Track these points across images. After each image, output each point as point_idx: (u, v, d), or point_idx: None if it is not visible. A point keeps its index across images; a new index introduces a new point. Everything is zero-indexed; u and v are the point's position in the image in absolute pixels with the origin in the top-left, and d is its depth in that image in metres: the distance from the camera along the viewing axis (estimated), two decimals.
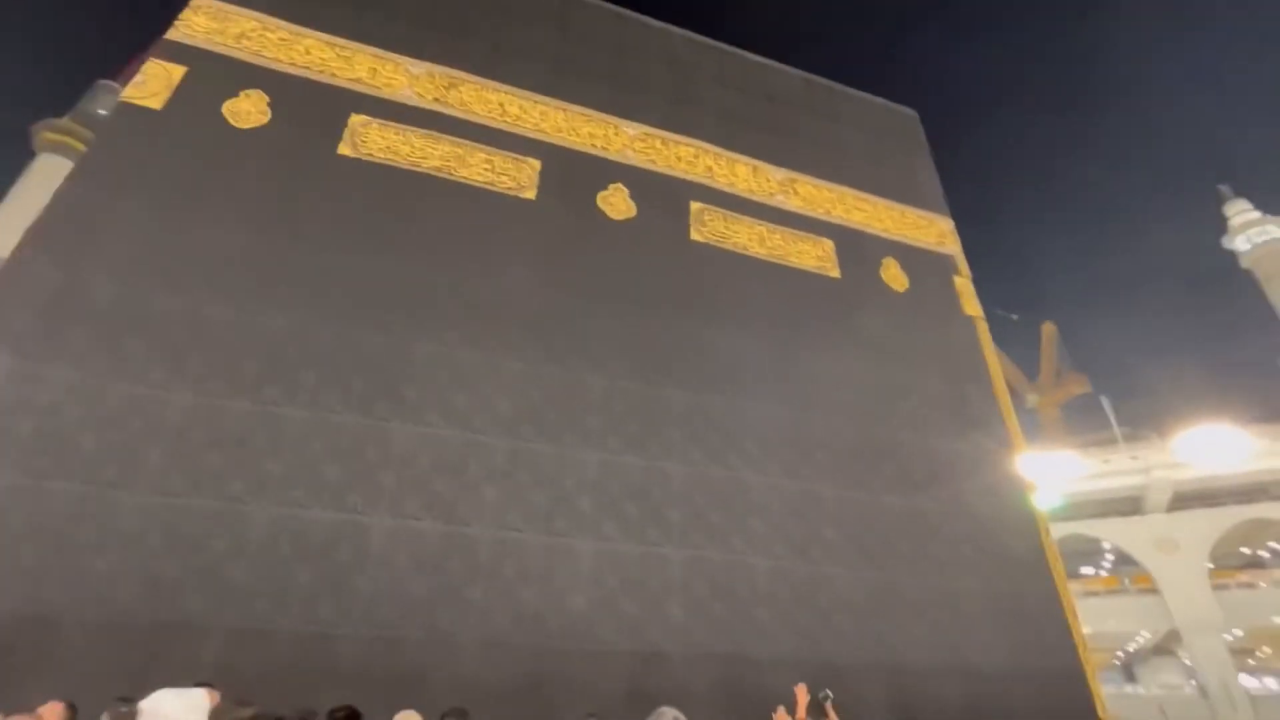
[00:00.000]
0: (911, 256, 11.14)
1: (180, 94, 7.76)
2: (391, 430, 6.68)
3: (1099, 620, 35.89)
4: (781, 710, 6.28)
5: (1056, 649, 8.03)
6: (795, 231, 10.39)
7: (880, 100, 13.55)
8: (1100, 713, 7.84)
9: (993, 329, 11.01)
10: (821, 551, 7.66)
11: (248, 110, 7.97)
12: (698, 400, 8.08)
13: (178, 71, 7.92)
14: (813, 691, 6.64)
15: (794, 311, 9.44)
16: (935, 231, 11.81)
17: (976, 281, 11.34)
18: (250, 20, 8.65)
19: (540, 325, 7.86)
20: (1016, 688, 7.45)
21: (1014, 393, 61.89)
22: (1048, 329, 68.74)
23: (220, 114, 7.85)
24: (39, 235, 6.43)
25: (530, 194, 8.84)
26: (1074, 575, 41.59)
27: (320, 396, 6.61)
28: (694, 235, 9.58)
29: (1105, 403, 50.50)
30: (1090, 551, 42.25)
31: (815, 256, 10.29)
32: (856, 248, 10.74)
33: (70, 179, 6.87)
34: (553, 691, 5.94)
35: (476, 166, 8.76)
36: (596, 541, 6.83)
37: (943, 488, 8.73)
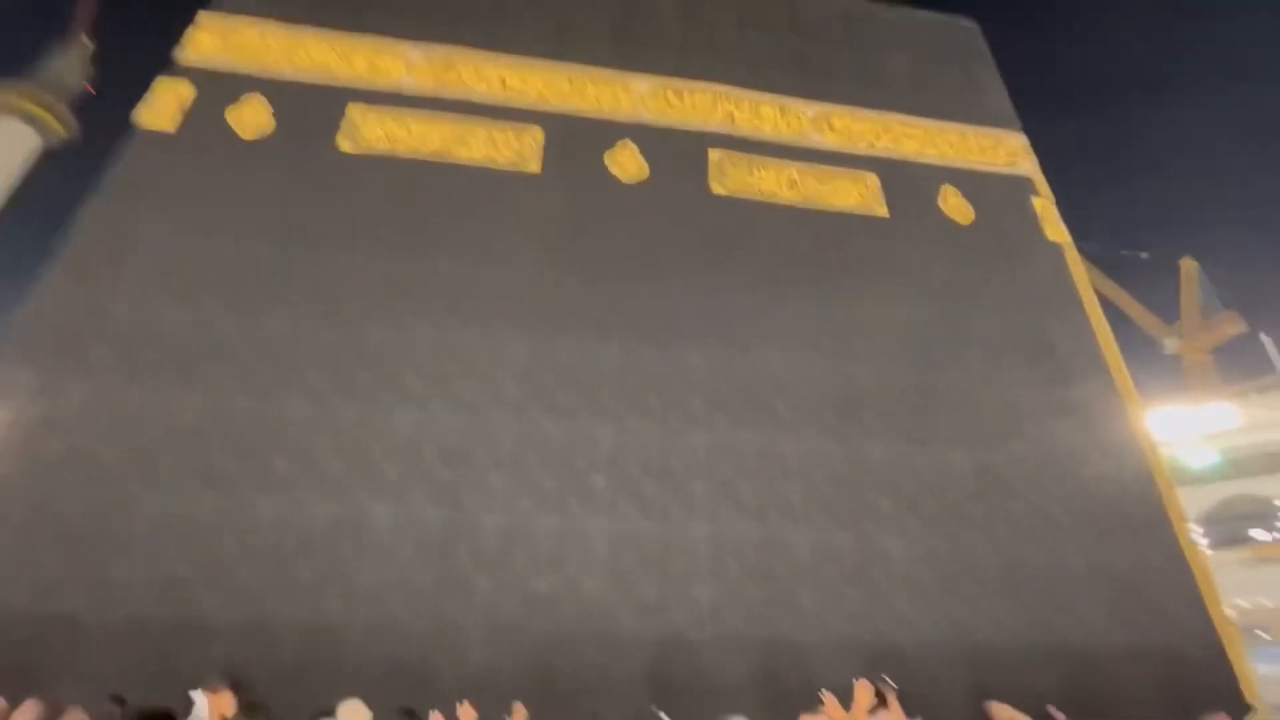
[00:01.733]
0: (976, 183, 9.72)
1: (190, 113, 8.01)
2: (395, 421, 6.52)
3: (1274, 590, 31.08)
4: (829, 697, 5.53)
5: (1184, 624, 6.63)
6: (832, 169, 9.32)
7: (932, 15, 11.98)
8: (1247, 696, 6.40)
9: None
10: (874, 522, 6.73)
11: (252, 120, 8.11)
12: (721, 363, 7.37)
13: (188, 92, 8.18)
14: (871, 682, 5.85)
15: (832, 258, 8.44)
16: (1005, 151, 10.26)
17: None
18: (252, 29, 8.81)
19: (547, 302, 7.45)
20: (1128, 669, 6.21)
21: (1151, 340, 55.03)
22: (1186, 265, 60.39)
23: (227, 126, 8.03)
24: (64, 260, 6.79)
25: (534, 166, 8.44)
26: (1240, 541, 36.25)
27: (324, 393, 6.56)
28: (714, 188, 8.80)
29: (1267, 342, 43.73)
30: (1261, 513, 36.61)
31: (857, 195, 9.19)
32: (907, 180, 9.50)
33: (91, 203, 7.21)
34: (566, 681, 5.53)
35: (476, 145, 8.48)
36: (612, 522, 6.34)
37: (1023, 442, 7.47)
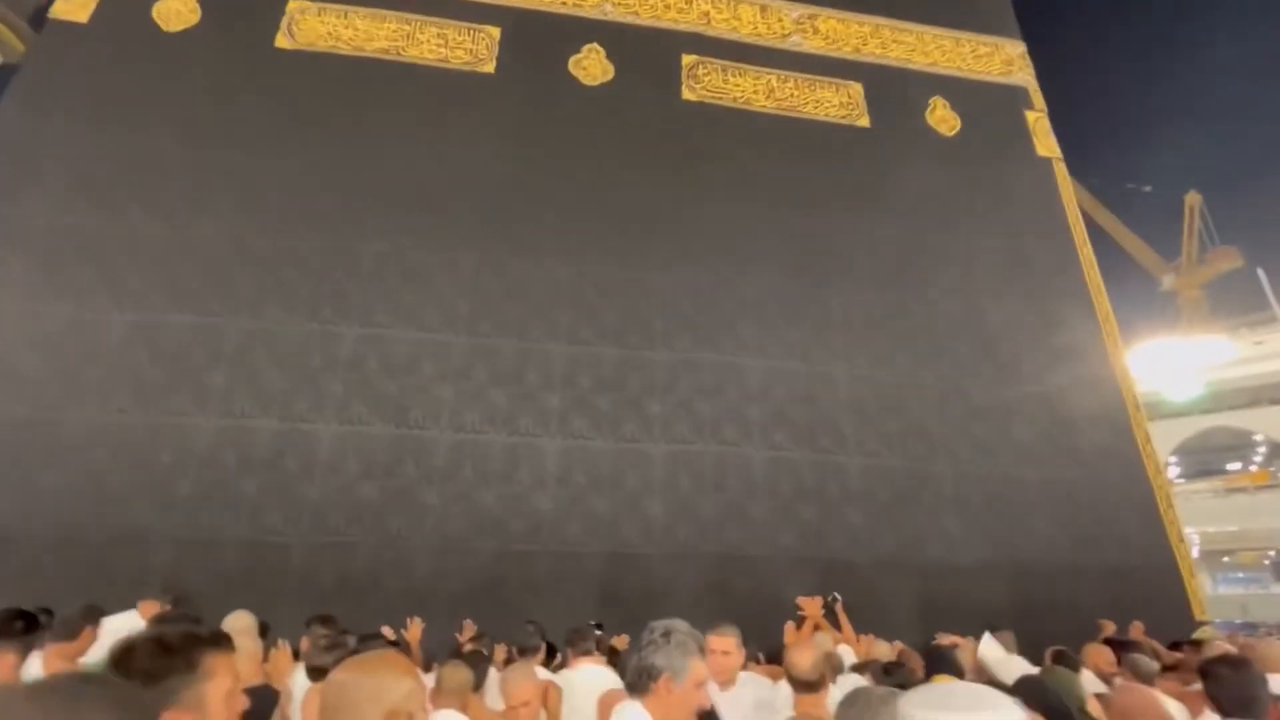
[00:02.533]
0: (967, 93, 9.13)
1: (106, 2, 7.31)
2: (338, 334, 6.25)
3: (1247, 518, 32.07)
4: (791, 627, 5.56)
5: (1139, 545, 6.65)
6: (814, 77, 8.71)
7: None
8: (1197, 613, 6.50)
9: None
10: (833, 439, 6.62)
11: (176, 10, 7.42)
12: (684, 281, 7.06)
13: None
14: (823, 594, 5.87)
15: (808, 170, 7.98)
16: (1000, 59, 9.60)
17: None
18: None
19: (502, 213, 7.04)
20: (1079, 585, 6.25)
21: (1147, 276, 54.44)
22: (1191, 199, 59.00)
23: (149, 19, 7.35)
24: None
25: (488, 67, 7.82)
26: (1218, 471, 37.09)
27: (262, 305, 6.25)
28: (685, 94, 8.22)
29: (1262, 276, 43.32)
30: (1239, 445, 37.32)
31: (838, 104, 8.62)
32: (894, 88, 8.90)
33: (2, 103, 6.66)
34: (513, 593, 5.52)
35: (428, 43, 7.82)
36: (564, 439, 6.19)
37: (993, 363, 7.29)
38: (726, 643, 2.91)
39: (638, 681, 1.79)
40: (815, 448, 6.56)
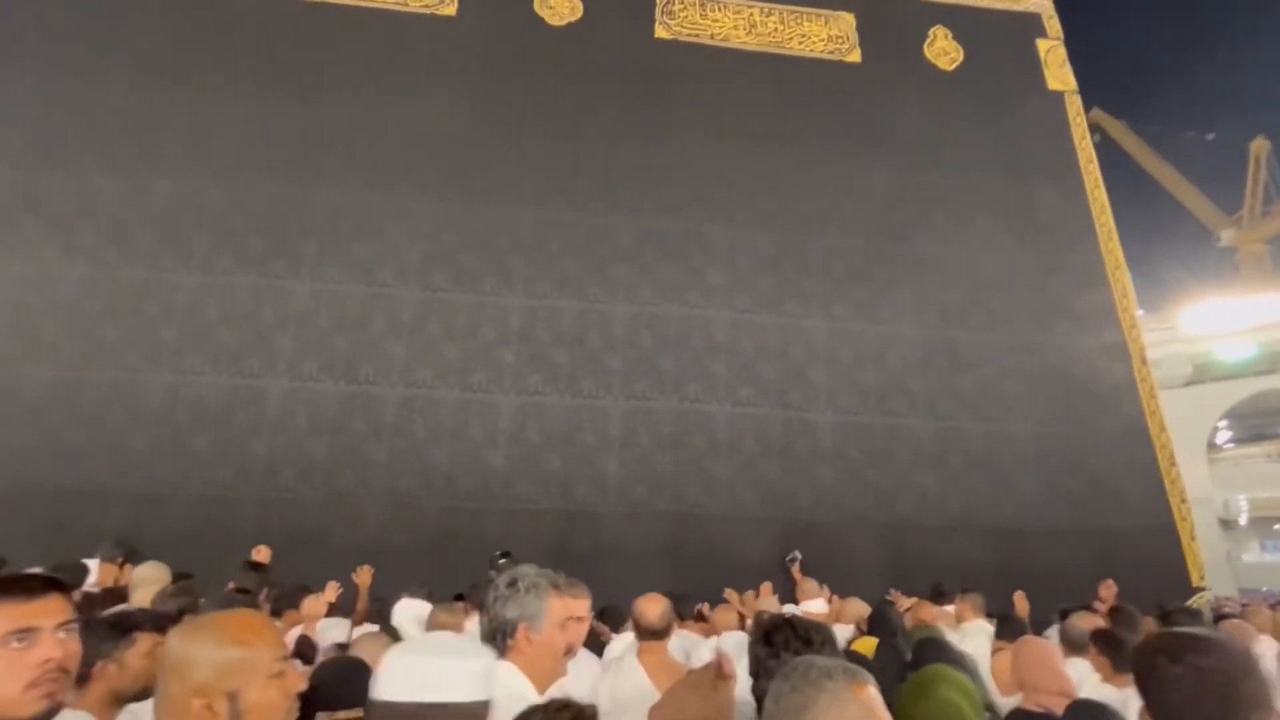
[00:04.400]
0: (971, 21, 8.38)
1: None
2: (289, 288, 6.14)
3: None
4: (731, 593, 5.31)
5: (1137, 507, 6.20)
6: (799, 9, 8.09)
7: None
8: (1194, 579, 6.07)
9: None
10: (805, 395, 6.29)
11: None
12: (649, 228, 6.71)
13: None
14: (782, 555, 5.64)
15: (790, 111, 7.46)
16: None
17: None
18: None
19: (459, 159, 6.77)
20: (1069, 549, 5.87)
21: (1203, 231, 51.17)
22: (1258, 146, 54.76)
23: None
24: None
25: (449, 9, 7.45)
26: (1272, 435, 35.14)
27: (214, 259, 6.16)
28: (659, 32, 7.72)
29: None
30: None
31: (826, 38, 8.00)
32: (889, 18, 8.21)
33: None
34: (462, 550, 5.42)
35: None
36: (519, 396, 6.01)
37: (983, 314, 6.79)
38: (584, 606, 2.25)
39: (497, 643, 1.60)
40: (784, 404, 6.24)
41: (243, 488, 5.52)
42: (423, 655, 1.17)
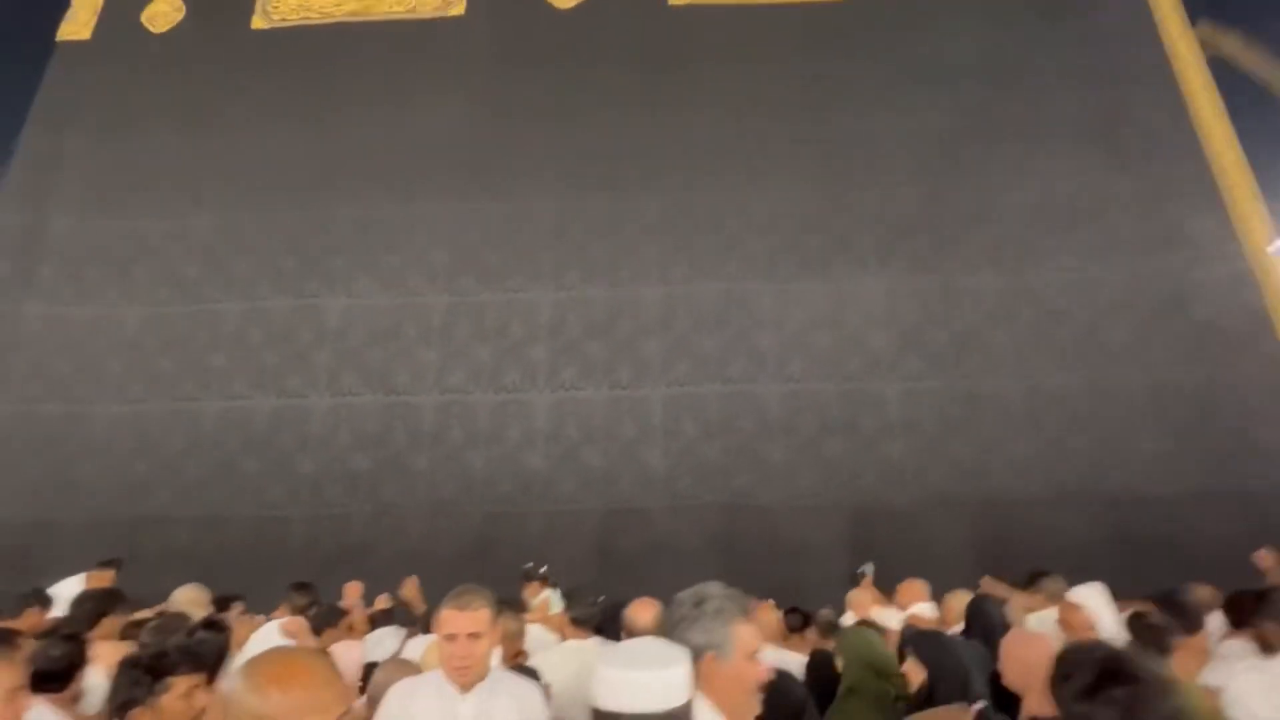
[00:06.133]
0: None
1: (103, 17, 7.60)
2: (323, 306, 6.18)
3: None
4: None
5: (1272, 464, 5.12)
6: None
7: None
8: None
9: None
10: (863, 363, 5.64)
11: (164, 11, 7.58)
12: (678, 202, 6.28)
13: None
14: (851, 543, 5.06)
15: (823, 61, 6.79)
16: None
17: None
18: None
19: (476, 158, 6.62)
20: (1205, 512, 4.92)
21: None
22: None
23: (140, 24, 7.57)
24: (6, 187, 6.84)
25: (458, 9, 7.33)
26: None
27: (253, 285, 6.31)
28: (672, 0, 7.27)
29: None
30: None
31: None
32: None
33: (27, 128, 7.14)
34: (506, 553, 5.21)
35: None
36: (553, 392, 5.75)
37: (1074, 253, 5.87)
38: (476, 619, 1.70)
39: None
40: (843, 375, 5.63)
41: (292, 507, 5.57)
42: (632, 669, 1.20)
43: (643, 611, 2.11)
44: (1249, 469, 5.10)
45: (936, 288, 5.84)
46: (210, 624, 2.29)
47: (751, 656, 1.44)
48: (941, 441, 5.36)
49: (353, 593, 4.55)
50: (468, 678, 1.68)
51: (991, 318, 5.73)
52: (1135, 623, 2.34)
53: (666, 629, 1.48)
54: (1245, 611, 2.38)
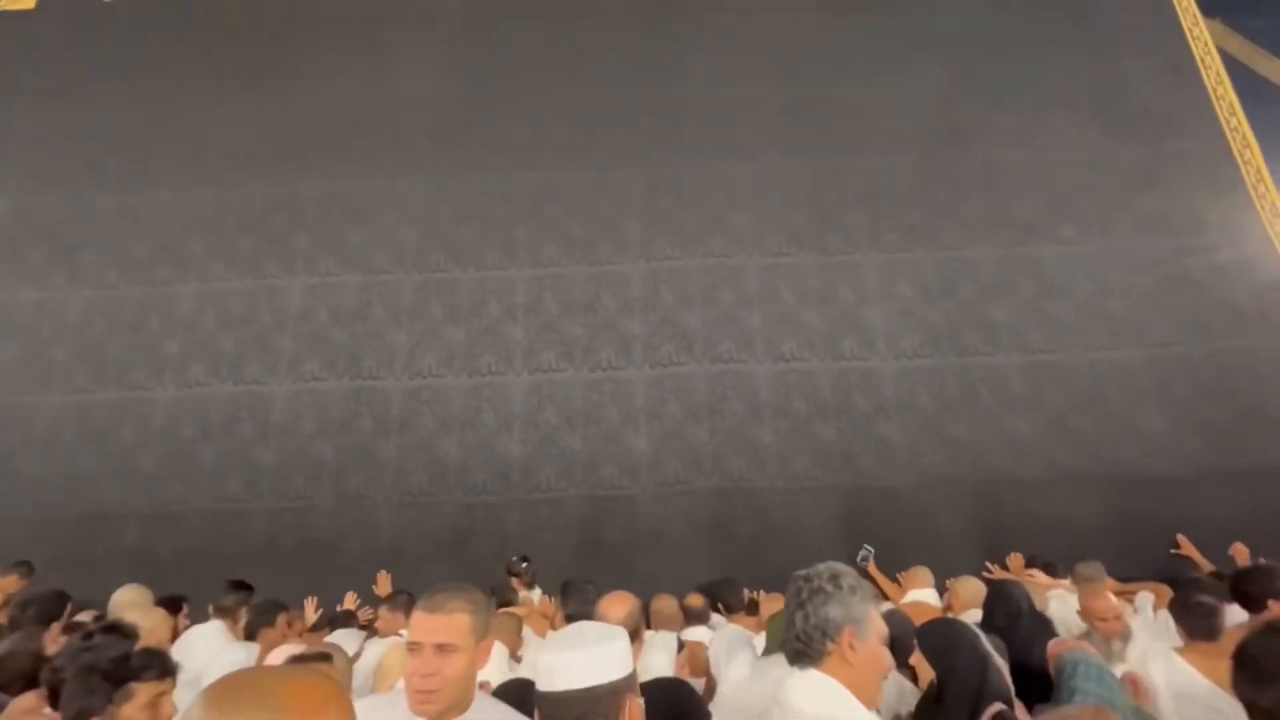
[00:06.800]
0: None
1: None
2: (285, 287, 5.79)
3: None
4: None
5: None
6: None
7: None
8: None
9: None
10: (858, 341, 5.37)
11: None
12: (661, 174, 5.96)
13: None
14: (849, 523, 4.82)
15: (810, 25, 6.48)
16: None
17: None
18: None
19: (447, 129, 6.25)
20: (1214, 493, 4.71)
21: None
22: None
23: None
24: None
25: None
26: None
27: (208, 265, 5.90)
28: None
29: None
30: None
31: None
32: None
33: None
34: (482, 544, 4.91)
35: None
36: (531, 374, 5.42)
37: (1075, 222, 5.63)
38: (449, 626, 1.35)
39: (807, 646, 1.35)
40: (836, 353, 5.35)
41: (252, 499, 5.21)
42: (569, 650, 1.17)
43: (615, 606, 1.84)
44: (1255, 446, 4.89)
45: (930, 261, 5.58)
46: (111, 627, 1.97)
47: (884, 641, 1.38)
48: (939, 421, 5.10)
49: (384, 586, 4.40)
50: (430, 705, 1.26)
51: (989, 292, 5.48)
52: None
53: (793, 603, 1.40)
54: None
